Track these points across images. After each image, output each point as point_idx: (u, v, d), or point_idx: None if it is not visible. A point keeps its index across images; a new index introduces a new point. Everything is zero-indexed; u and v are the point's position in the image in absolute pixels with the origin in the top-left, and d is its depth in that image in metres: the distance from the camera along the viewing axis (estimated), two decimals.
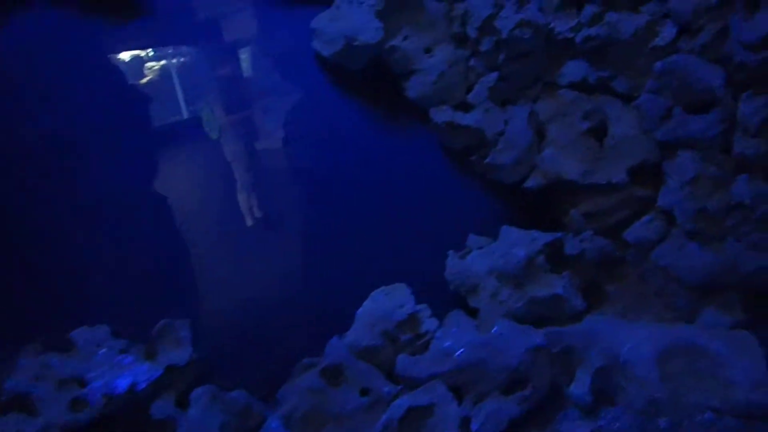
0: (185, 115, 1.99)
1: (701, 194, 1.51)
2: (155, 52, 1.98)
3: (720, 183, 1.50)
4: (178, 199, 1.93)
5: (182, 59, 2.02)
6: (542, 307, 1.78)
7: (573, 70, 1.83)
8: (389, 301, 1.86)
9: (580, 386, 1.44)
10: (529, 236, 1.87)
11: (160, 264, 1.89)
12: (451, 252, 2.01)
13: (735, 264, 1.40)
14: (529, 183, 1.96)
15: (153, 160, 1.93)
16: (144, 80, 1.95)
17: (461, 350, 1.70)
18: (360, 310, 1.87)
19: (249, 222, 2.02)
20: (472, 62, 2.02)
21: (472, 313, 1.91)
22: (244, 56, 2.12)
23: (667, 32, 1.56)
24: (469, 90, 2.04)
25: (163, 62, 1.99)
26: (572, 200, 1.89)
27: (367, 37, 1.98)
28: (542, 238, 1.85)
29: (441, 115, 2.04)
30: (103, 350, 1.64)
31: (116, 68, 1.92)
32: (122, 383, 1.54)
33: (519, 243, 1.86)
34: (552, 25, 1.78)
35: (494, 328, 1.78)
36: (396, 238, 2.05)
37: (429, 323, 1.86)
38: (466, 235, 2.04)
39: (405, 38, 2.04)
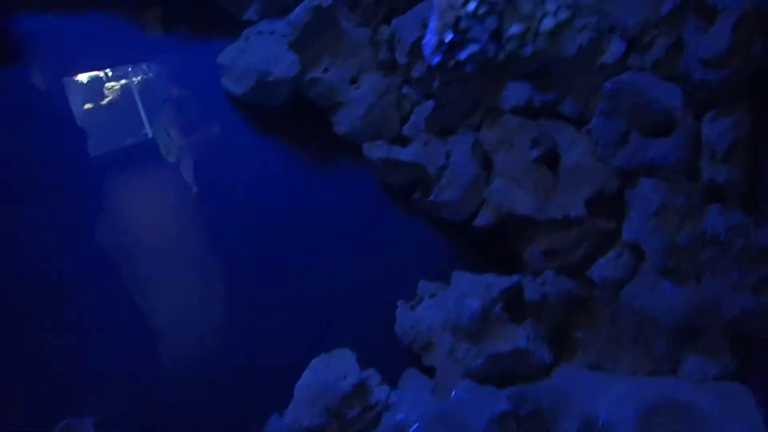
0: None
1: (669, 227, 1.35)
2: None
3: (689, 214, 1.34)
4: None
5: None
6: (505, 362, 1.59)
7: (516, 93, 1.65)
8: (331, 372, 1.65)
9: None
10: (484, 282, 1.69)
11: (67, 354, 1.64)
12: (400, 302, 1.82)
13: (716, 305, 1.24)
14: (480, 220, 1.78)
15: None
16: None
17: (416, 425, 1.50)
18: (299, 383, 1.66)
19: (169, 288, 1.78)
20: (404, 90, 1.83)
21: (429, 371, 1.73)
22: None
23: (614, 48, 1.40)
24: (404, 121, 1.85)
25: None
26: (528, 237, 1.72)
27: (281, 70, 1.77)
28: (498, 283, 1.67)
29: (375, 151, 1.85)
30: None
31: None
32: None
33: (473, 291, 1.67)
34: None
35: (453, 393, 1.59)
36: (337, 291, 1.85)
37: (379, 392, 1.65)
38: (416, 282, 1.86)
39: (326, 69, 1.83)
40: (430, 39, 1.14)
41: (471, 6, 1.09)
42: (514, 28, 1.14)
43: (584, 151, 1.58)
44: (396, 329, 1.77)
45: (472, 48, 1.11)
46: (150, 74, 1.91)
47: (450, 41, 1.09)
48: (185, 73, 1.92)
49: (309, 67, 1.83)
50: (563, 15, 1.14)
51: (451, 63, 1.12)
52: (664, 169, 1.38)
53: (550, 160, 1.70)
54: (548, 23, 1.13)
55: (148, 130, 1.86)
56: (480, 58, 1.11)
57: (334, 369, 1.65)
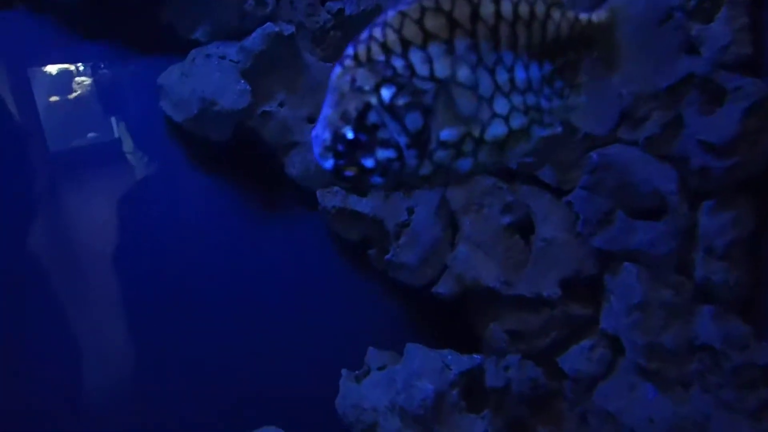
0: None
1: (653, 324, 1.22)
2: None
3: (677, 312, 1.21)
4: None
5: None
6: None
7: None
8: None
9: None
10: (441, 360, 1.52)
11: None
12: (344, 372, 1.63)
13: (706, 424, 1.10)
14: (440, 288, 1.62)
15: None
16: None
17: None
18: None
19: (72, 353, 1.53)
20: None
21: None
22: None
23: None
24: None
25: None
26: (492, 313, 1.56)
27: (229, 101, 1.58)
28: (457, 363, 1.50)
29: (330, 198, 1.67)
30: None
31: None
32: None
33: (427, 370, 1.49)
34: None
35: None
36: (273, 355, 1.64)
37: None
38: (365, 350, 1.68)
39: (281, 104, 1.65)
40: (321, 132, 0.72)
41: (386, 92, 0.70)
42: (448, 133, 0.72)
43: (562, 224, 1.45)
44: (337, 404, 1.58)
45: (383, 154, 0.72)
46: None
47: (351, 141, 0.71)
48: (122, 87, 1.71)
49: (261, 100, 1.64)
50: (518, 121, 0.75)
51: (351, 172, 0.72)
52: (651, 258, 1.25)
53: (523, 229, 1.56)
54: (497, 130, 0.74)
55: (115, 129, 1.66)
56: (394, 170, 0.72)
57: None
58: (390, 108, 0.71)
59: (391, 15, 0.73)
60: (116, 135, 1.73)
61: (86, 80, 1.69)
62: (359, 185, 0.75)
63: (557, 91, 0.78)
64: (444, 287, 1.61)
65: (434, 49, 0.71)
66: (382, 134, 0.72)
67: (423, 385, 1.45)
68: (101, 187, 1.66)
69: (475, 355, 1.50)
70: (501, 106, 0.75)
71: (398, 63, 0.71)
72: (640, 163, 1.26)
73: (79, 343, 1.53)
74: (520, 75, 0.75)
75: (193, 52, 1.64)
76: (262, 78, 1.62)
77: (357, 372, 1.62)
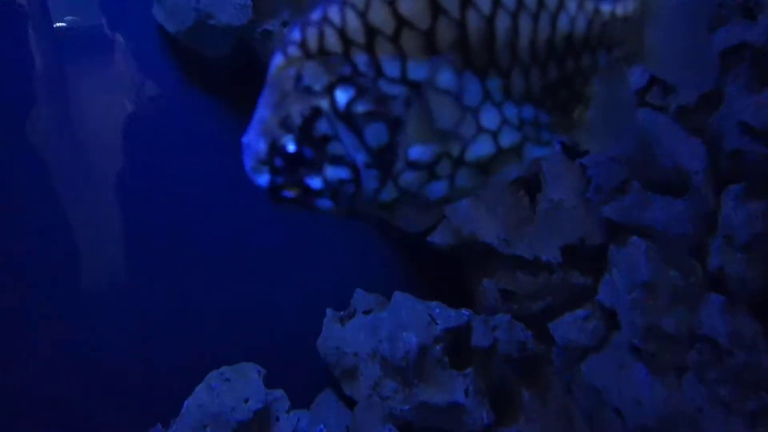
0: None
1: (656, 305, 1.15)
2: None
3: (683, 296, 1.15)
4: None
5: None
6: (436, 415, 1.39)
7: None
8: (229, 391, 1.41)
9: None
10: (428, 312, 1.46)
11: None
12: (329, 311, 1.58)
13: (697, 416, 1.06)
14: (435, 238, 1.54)
15: None
16: None
17: None
18: (189, 400, 1.41)
19: (60, 287, 1.45)
20: None
21: (349, 400, 1.52)
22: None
23: (636, 76, 1.15)
24: None
25: None
26: (488, 269, 1.50)
27: (227, 16, 1.43)
28: (444, 318, 1.44)
29: None
30: None
31: None
32: None
33: (413, 322, 1.44)
34: None
35: None
36: (257, 293, 1.59)
37: (285, 422, 1.43)
38: (353, 292, 1.62)
39: (285, 23, 1.50)
40: (254, 140, 0.57)
41: (341, 96, 0.54)
42: (419, 150, 0.56)
43: (572, 188, 1.35)
44: (318, 344, 1.54)
45: (334, 174, 0.55)
46: None
47: (292, 155, 0.55)
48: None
49: (263, 18, 1.49)
50: (510, 138, 0.58)
51: (291, 193, 0.57)
52: (663, 236, 1.17)
53: (530, 186, 1.47)
54: (482, 149, 0.57)
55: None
56: (347, 194, 0.56)
57: (235, 387, 1.41)
58: (346, 116, 0.54)
59: None
60: (103, 39, 1.57)
61: None
62: (302, 208, 0.58)
63: (561, 103, 0.59)
64: (439, 237, 1.53)
65: (409, 41, 0.53)
66: (333, 149, 0.55)
67: (407, 336, 1.40)
68: (87, 86, 1.52)
69: (463, 311, 1.44)
70: (490, 119, 0.57)
71: (360, 58, 0.54)
72: (667, 134, 1.15)
73: (67, 264, 1.45)
74: (518, 81, 0.56)
75: None
76: None
77: (342, 313, 1.57)
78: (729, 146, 1.02)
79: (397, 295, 1.52)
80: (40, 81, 1.50)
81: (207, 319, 1.50)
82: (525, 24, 0.55)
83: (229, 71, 1.53)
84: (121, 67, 1.57)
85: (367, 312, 1.58)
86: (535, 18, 0.56)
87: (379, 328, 1.48)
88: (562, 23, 0.57)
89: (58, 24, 1.52)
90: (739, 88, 1.00)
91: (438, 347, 1.41)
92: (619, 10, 0.59)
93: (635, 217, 1.20)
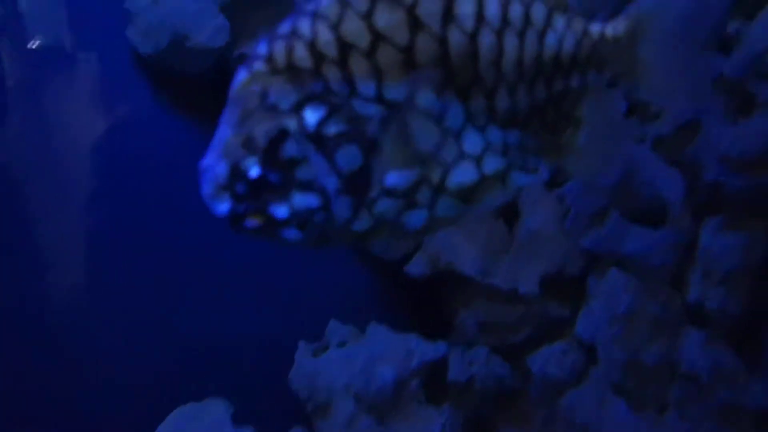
0: None
1: (635, 338, 1.13)
2: None
3: (663, 329, 1.12)
4: None
5: None
6: None
7: None
8: (195, 430, 1.34)
9: None
10: (404, 345, 1.42)
11: None
12: (302, 344, 1.52)
13: None
14: (412, 268, 1.50)
15: None
16: None
17: None
18: None
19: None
20: None
21: None
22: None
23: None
24: None
25: None
26: (465, 299, 1.46)
27: (204, 37, 1.40)
28: (421, 351, 1.40)
29: None
30: None
31: None
32: None
33: (388, 354, 1.40)
34: None
35: None
36: (229, 324, 1.53)
37: None
38: (327, 321, 1.57)
39: None
40: (214, 163, 0.51)
41: (311, 115, 0.50)
42: (396, 176, 0.51)
43: (550, 217, 1.34)
44: (290, 378, 1.48)
45: (303, 201, 0.51)
46: None
47: (256, 180, 0.51)
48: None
49: (241, 40, 1.47)
50: (494, 164, 0.54)
51: (254, 222, 0.52)
52: (642, 267, 1.15)
53: (508, 214, 1.45)
54: (464, 176, 0.53)
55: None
56: (316, 223, 0.52)
57: (201, 425, 1.34)
58: (316, 137, 0.50)
59: (326, 2, 0.50)
60: (76, 58, 1.53)
61: None
62: (266, 239, 0.53)
63: (549, 125, 0.56)
64: (416, 267, 1.50)
65: (386, 56, 0.49)
66: (301, 173, 0.50)
67: (383, 370, 1.35)
68: (54, 113, 1.48)
69: (440, 343, 1.41)
70: (473, 143, 0.52)
71: (332, 74, 0.49)
72: (645, 163, 1.14)
73: (28, 289, 1.39)
74: (502, 102, 0.53)
75: None
76: (244, 15, 1.44)
77: (315, 345, 1.51)
78: (707, 177, 1.01)
79: (372, 327, 1.47)
80: (10, 101, 1.46)
81: (172, 351, 1.44)
82: (510, 42, 0.52)
83: (204, 93, 1.50)
84: (94, 88, 1.53)
85: (341, 344, 1.53)
86: (521, 36, 0.52)
87: (354, 361, 1.43)
88: (550, 42, 0.54)
89: (30, 44, 1.48)
90: (717, 119, 0.99)
91: (414, 381, 1.36)
92: (609, 31, 0.56)
93: (614, 247, 1.18)
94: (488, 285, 1.39)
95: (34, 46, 1.47)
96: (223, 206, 0.52)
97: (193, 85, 1.52)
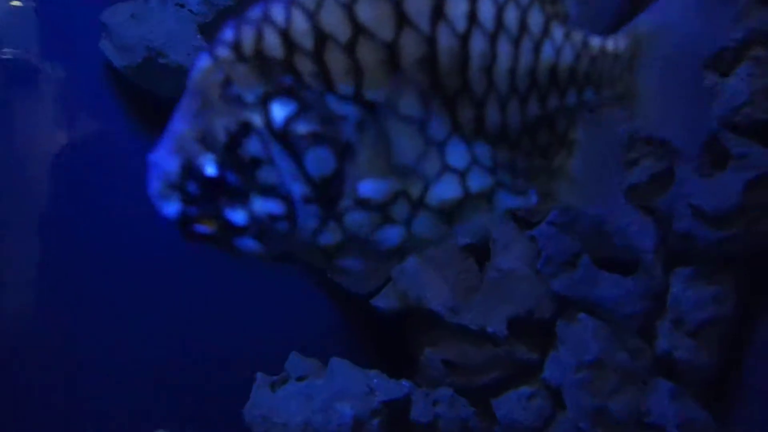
0: None
1: (603, 387, 1.10)
2: None
3: (631, 379, 1.10)
4: None
5: None
6: None
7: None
8: None
9: None
10: (366, 382, 1.37)
11: None
12: (260, 376, 1.45)
13: None
14: (379, 302, 1.47)
15: None
16: None
17: None
18: None
19: None
20: None
21: None
22: None
23: None
24: None
25: None
26: (432, 338, 1.43)
27: (180, 56, 1.36)
28: (383, 389, 1.35)
29: None
30: None
31: None
32: None
33: (349, 392, 1.35)
34: None
35: None
36: (185, 349, 1.46)
37: None
38: (287, 354, 1.51)
39: None
40: (164, 157, 0.46)
41: (279, 111, 0.44)
42: (372, 187, 0.46)
43: (522, 257, 1.32)
44: (245, 411, 1.41)
45: (263, 207, 0.46)
46: None
47: (211, 180, 0.45)
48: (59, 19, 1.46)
49: None
50: (480, 181, 0.49)
51: (206, 228, 0.46)
52: (612, 315, 1.13)
53: (480, 253, 1.43)
54: (446, 191, 0.48)
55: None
56: (278, 233, 0.46)
57: None
58: (283, 136, 0.44)
59: None
60: (46, 71, 1.48)
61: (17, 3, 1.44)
62: (219, 248, 0.47)
63: (541, 146, 0.51)
64: (384, 301, 1.46)
65: (367, 51, 0.44)
66: (264, 176, 0.44)
67: (342, 408, 1.30)
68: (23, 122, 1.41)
69: (404, 382, 1.36)
70: (458, 156, 0.47)
71: (305, 67, 0.44)
72: (619, 211, 1.14)
73: None
74: (492, 114, 0.47)
75: None
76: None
77: (274, 378, 1.45)
78: (680, 228, 1.01)
79: (334, 362, 1.42)
80: None
81: (122, 379, 1.36)
82: (504, 49, 0.47)
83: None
84: (62, 100, 1.47)
85: (301, 378, 1.47)
86: (516, 43, 0.47)
87: (313, 397, 1.37)
88: (546, 52, 0.49)
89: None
90: (691, 170, 1.00)
91: (375, 421, 1.31)
92: (610, 46, 0.51)
93: (584, 292, 1.17)
94: (456, 324, 1.36)
95: (3, 57, 1.42)
96: (172, 207, 0.46)
97: (164, 104, 1.47)
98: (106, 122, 1.48)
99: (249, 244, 0.47)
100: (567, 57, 0.49)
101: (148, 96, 1.45)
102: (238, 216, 0.46)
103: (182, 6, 1.40)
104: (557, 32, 0.49)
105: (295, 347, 1.51)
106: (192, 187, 0.45)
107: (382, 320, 1.49)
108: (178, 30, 1.38)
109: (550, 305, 1.28)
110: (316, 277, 1.54)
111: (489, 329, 1.31)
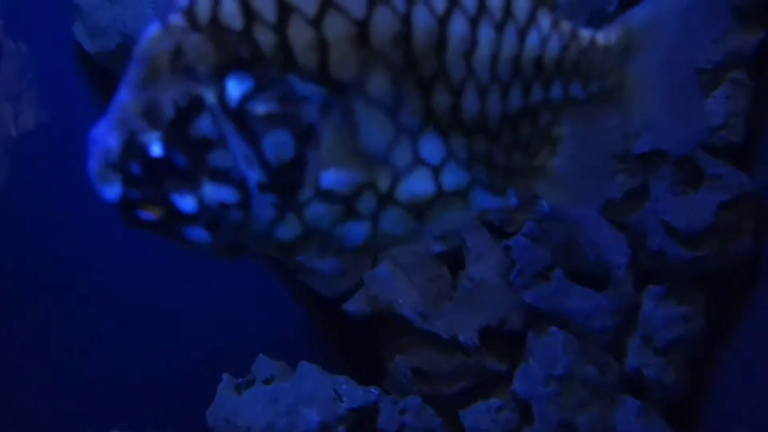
0: None
1: (571, 402, 1.10)
2: None
3: (599, 394, 1.10)
4: None
5: None
6: None
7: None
8: None
9: None
10: (333, 387, 1.35)
11: None
12: (225, 377, 1.42)
13: None
14: (350, 306, 1.45)
15: None
16: None
17: None
18: None
19: None
20: None
21: None
22: None
23: None
24: None
25: None
26: (402, 344, 1.41)
27: None
28: (351, 396, 1.33)
29: None
30: None
31: None
32: None
33: (316, 397, 1.33)
34: None
35: None
36: (148, 348, 1.42)
37: None
38: (256, 355, 1.48)
39: None
40: (105, 133, 0.40)
41: (234, 87, 0.39)
42: (336, 176, 0.42)
43: (495, 268, 1.32)
44: (208, 413, 1.37)
45: (215, 194, 0.41)
46: None
47: (156, 161, 0.40)
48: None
49: None
50: (455, 177, 0.45)
51: (150, 214, 0.41)
52: (582, 329, 1.13)
53: (453, 261, 1.42)
54: (418, 186, 0.44)
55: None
56: (230, 223, 0.41)
57: None
58: (238, 116, 0.40)
59: None
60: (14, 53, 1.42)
61: None
62: (165, 236, 0.43)
63: (522, 142, 0.47)
64: (355, 305, 1.44)
65: (335, 26, 0.39)
66: (216, 159, 0.40)
67: (309, 414, 1.28)
68: None
69: (372, 389, 1.34)
70: (432, 148, 0.43)
71: (266, 39, 0.39)
72: (593, 226, 1.14)
73: None
74: (471, 104, 0.44)
75: None
76: None
77: (240, 380, 1.42)
78: (652, 245, 1.01)
79: (303, 366, 1.40)
80: None
81: (85, 381, 1.31)
82: (485, 33, 0.43)
83: None
84: (30, 83, 1.42)
85: (267, 381, 1.44)
86: (500, 29, 0.44)
87: (279, 400, 1.35)
88: (532, 41, 0.45)
89: None
90: (664, 188, 1.00)
91: (341, 428, 1.29)
92: (601, 39, 0.48)
93: (556, 305, 1.17)
94: (427, 331, 1.35)
95: None
96: (113, 190, 0.41)
97: None
98: (71, 106, 1.43)
99: (199, 234, 0.42)
100: (554, 47, 0.46)
101: (118, 81, 1.41)
102: (186, 202, 0.41)
103: None
104: (544, 20, 0.46)
105: (263, 349, 1.48)
106: (135, 168, 0.40)
107: (353, 325, 1.47)
108: (154, 17, 1.34)
109: (521, 317, 1.27)
110: (286, 278, 1.52)
111: (460, 338, 1.30)
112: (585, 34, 0.48)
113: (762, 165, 0.97)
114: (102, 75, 1.40)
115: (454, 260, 1.39)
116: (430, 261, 1.41)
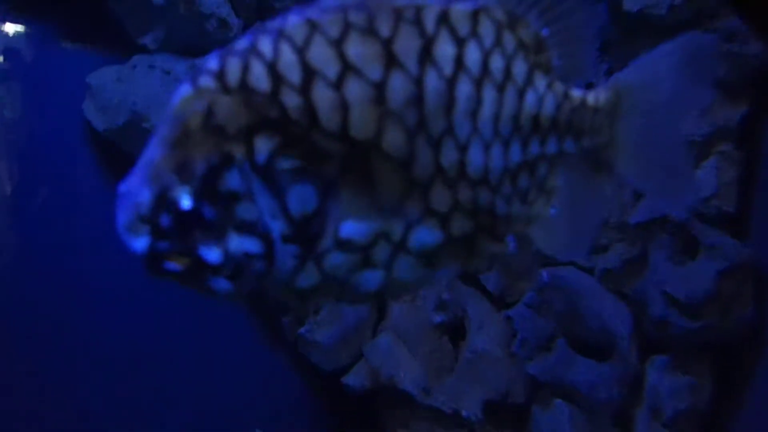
0: None
1: None
2: None
3: None
4: None
5: None
6: None
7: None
8: None
9: None
10: None
11: None
12: None
13: None
14: (350, 379, 1.42)
15: None
16: None
17: None
18: None
19: None
20: None
21: None
22: None
23: None
24: None
25: None
26: (404, 419, 1.37)
27: None
28: None
29: None
30: None
31: None
32: None
33: None
34: None
35: None
36: (145, 419, 1.38)
37: None
38: (253, 429, 1.44)
39: None
40: (136, 187, 0.41)
41: (263, 145, 0.42)
42: (354, 227, 0.44)
43: (497, 338, 1.30)
44: None
45: (240, 245, 0.42)
46: None
47: (186, 213, 0.41)
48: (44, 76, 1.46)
49: None
50: (461, 225, 0.48)
51: (177, 265, 0.42)
52: (588, 400, 1.11)
53: (454, 332, 1.41)
54: (428, 236, 0.46)
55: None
56: (254, 273, 0.43)
57: None
58: (265, 171, 0.42)
59: (293, 21, 0.43)
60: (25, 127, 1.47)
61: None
62: (189, 286, 0.44)
63: (521, 192, 0.51)
64: (355, 379, 1.42)
65: (355, 90, 0.43)
66: (243, 212, 0.42)
67: None
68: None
69: None
70: (440, 199, 0.46)
71: (291, 101, 0.42)
72: (594, 295, 1.14)
73: None
74: (476, 158, 0.47)
75: (135, 58, 1.44)
76: None
77: None
78: (654, 314, 1.01)
79: None
80: None
81: None
82: (489, 94, 0.47)
83: None
84: (38, 158, 1.46)
85: None
86: (501, 90, 0.48)
87: None
88: (529, 100, 0.49)
89: None
90: (663, 258, 1.02)
91: None
92: (590, 99, 0.52)
93: (560, 376, 1.15)
94: (429, 406, 1.32)
95: None
96: (141, 242, 0.41)
97: None
98: (79, 182, 1.46)
99: (221, 284, 0.43)
100: (549, 106, 0.50)
101: (126, 159, 1.44)
102: (212, 254, 0.42)
103: (168, 72, 1.42)
104: (540, 82, 0.50)
105: (260, 423, 1.45)
106: (164, 221, 0.41)
107: (352, 399, 1.44)
108: (163, 96, 1.39)
109: (524, 389, 1.25)
110: (285, 351, 1.50)
111: (463, 413, 1.27)
112: (576, 94, 0.52)
113: (756, 233, 0.99)
114: (108, 152, 1.44)
115: (455, 330, 1.38)
116: (431, 331, 1.40)
